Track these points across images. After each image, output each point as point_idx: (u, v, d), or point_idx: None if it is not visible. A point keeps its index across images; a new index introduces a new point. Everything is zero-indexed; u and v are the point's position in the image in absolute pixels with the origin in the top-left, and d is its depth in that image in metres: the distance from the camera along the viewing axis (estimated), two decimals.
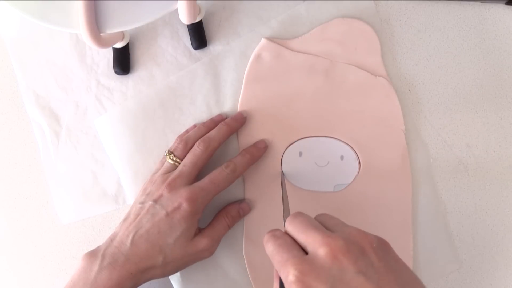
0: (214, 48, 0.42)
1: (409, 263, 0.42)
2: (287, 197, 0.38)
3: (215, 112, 0.42)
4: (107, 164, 0.44)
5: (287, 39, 0.41)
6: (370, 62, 0.41)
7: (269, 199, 0.42)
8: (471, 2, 0.40)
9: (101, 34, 0.35)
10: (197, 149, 0.38)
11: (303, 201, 0.42)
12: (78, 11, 0.33)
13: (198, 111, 0.42)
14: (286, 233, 0.29)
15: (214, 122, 0.41)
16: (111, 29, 0.35)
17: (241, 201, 0.42)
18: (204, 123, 0.41)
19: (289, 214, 0.32)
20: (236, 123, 0.40)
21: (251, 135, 0.42)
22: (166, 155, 0.40)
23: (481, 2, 0.40)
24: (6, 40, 0.44)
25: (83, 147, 0.44)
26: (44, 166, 0.45)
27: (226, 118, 0.41)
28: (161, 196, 0.37)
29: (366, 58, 0.41)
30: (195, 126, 0.42)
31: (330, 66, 0.41)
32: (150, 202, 0.37)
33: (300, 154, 0.41)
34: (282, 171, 0.41)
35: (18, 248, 0.46)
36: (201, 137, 0.39)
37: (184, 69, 0.42)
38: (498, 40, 0.41)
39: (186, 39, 0.42)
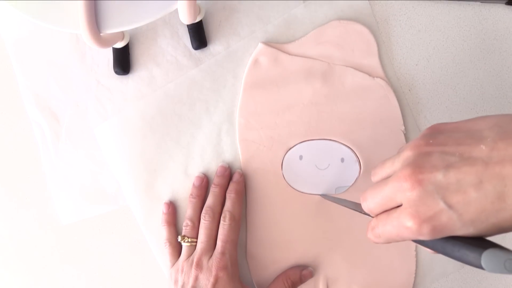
0: (214, 48, 0.42)
1: (412, 263, 0.42)
2: (344, 200, 0.38)
3: (214, 118, 0.42)
4: (107, 164, 0.44)
5: (284, 43, 0.41)
6: (368, 64, 0.41)
7: (271, 203, 0.42)
8: (471, 2, 0.40)
9: (101, 34, 0.35)
10: (205, 222, 0.40)
11: (305, 204, 0.42)
12: (78, 11, 0.33)
13: (197, 118, 0.42)
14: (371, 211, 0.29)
15: (220, 186, 0.42)
16: (111, 29, 0.35)
17: (303, 267, 0.42)
18: (197, 191, 0.42)
19: (358, 204, 0.32)
20: (224, 180, 0.42)
21: (251, 140, 0.42)
22: (180, 241, 0.41)
23: (481, 2, 0.40)
24: (6, 40, 0.44)
25: (83, 147, 0.44)
26: (44, 166, 0.45)
27: (228, 167, 0.42)
28: (196, 279, 0.38)
29: (364, 60, 0.41)
30: (199, 178, 0.42)
31: (327, 69, 0.41)
32: None
33: (301, 157, 0.41)
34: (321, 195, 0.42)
35: (18, 248, 0.46)
36: (201, 209, 0.41)
37: (184, 69, 0.42)
38: (498, 40, 0.41)
39: (186, 39, 0.42)
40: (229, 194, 0.41)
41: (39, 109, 0.44)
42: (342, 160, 0.41)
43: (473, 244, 0.23)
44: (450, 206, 0.24)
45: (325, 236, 0.42)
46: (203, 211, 0.41)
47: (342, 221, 0.42)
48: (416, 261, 0.42)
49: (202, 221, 0.40)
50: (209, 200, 0.41)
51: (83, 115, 0.44)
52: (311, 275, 0.42)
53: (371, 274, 0.42)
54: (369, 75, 0.40)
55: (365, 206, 0.29)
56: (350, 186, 0.41)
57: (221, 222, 0.40)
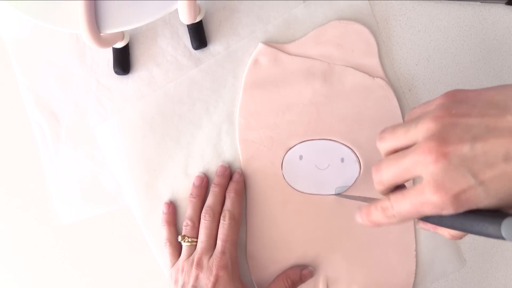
0: (214, 48, 0.42)
1: (412, 263, 0.42)
2: (358, 196, 0.38)
3: (214, 118, 0.42)
4: (107, 164, 0.44)
5: (284, 43, 0.41)
6: (368, 64, 0.41)
7: (271, 203, 0.42)
8: (471, 2, 0.40)
9: (101, 34, 0.35)
10: (205, 222, 0.40)
11: (305, 205, 0.42)
12: (78, 11, 0.33)
13: (197, 117, 0.42)
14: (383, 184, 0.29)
15: (219, 187, 0.42)
16: (111, 29, 0.35)
17: (303, 266, 0.42)
18: (196, 191, 0.42)
19: (371, 198, 0.32)
20: (224, 180, 0.42)
21: (251, 140, 0.42)
22: (181, 241, 0.41)
23: (481, 2, 0.40)
24: (6, 40, 0.44)
25: (83, 147, 0.44)
26: (44, 166, 0.45)
27: (228, 167, 0.42)
28: (196, 278, 0.38)
29: (364, 60, 0.41)
30: (199, 177, 0.42)
31: (327, 69, 0.41)
32: None
33: (301, 157, 0.41)
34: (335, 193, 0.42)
35: (18, 248, 0.46)
36: (201, 209, 0.41)
37: (184, 69, 0.42)
38: (498, 40, 0.41)
39: (186, 39, 0.42)
40: (228, 193, 0.41)
41: (39, 109, 0.44)
42: (342, 160, 0.41)
43: (491, 216, 0.23)
44: (477, 179, 0.23)
45: (325, 236, 0.42)
46: (203, 210, 0.41)
47: (342, 221, 0.42)
48: (416, 261, 0.42)
49: (202, 220, 0.40)
50: (209, 200, 0.41)
51: (83, 115, 0.44)
52: (311, 274, 0.42)
53: (371, 274, 0.42)
54: (369, 75, 0.40)
55: (377, 177, 0.29)
56: (350, 186, 0.41)
57: (221, 221, 0.40)
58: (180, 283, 0.39)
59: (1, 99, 0.45)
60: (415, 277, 0.42)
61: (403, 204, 0.26)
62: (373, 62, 0.41)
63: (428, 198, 0.24)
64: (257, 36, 0.41)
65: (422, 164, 0.25)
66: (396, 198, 0.27)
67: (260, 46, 0.41)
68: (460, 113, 0.25)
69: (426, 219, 0.27)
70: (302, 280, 0.41)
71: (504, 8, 0.40)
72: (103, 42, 0.35)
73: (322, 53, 0.41)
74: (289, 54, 0.41)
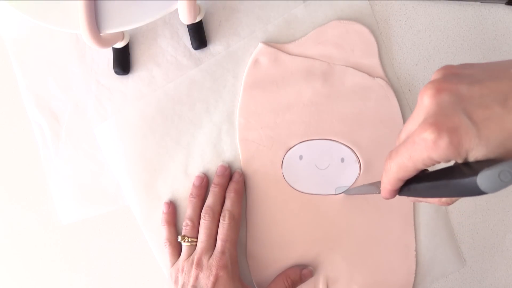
0: (214, 48, 0.42)
1: (412, 263, 0.42)
2: (364, 186, 0.38)
3: (214, 117, 0.42)
4: (107, 164, 0.44)
5: (284, 43, 0.41)
6: (368, 64, 0.41)
7: (271, 203, 0.42)
8: (471, 2, 0.40)
9: (101, 34, 0.35)
10: (205, 222, 0.40)
11: (305, 204, 0.42)
12: (78, 11, 0.33)
13: (197, 117, 0.42)
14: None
15: (220, 186, 0.42)
16: (111, 29, 0.35)
17: (303, 266, 0.42)
18: (197, 190, 0.42)
19: (378, 184, 0.31)
20: (224, 180, 0.42)
21: (251, 140, 0.42)
22: (180, 241, 0.41)
23: (481, 2, 0.40)
24: (6, 40, 0.44)
25: (83, 147, 0.44)
26: (44, 166, 0.45)
27: (228, 167, 0.42)
28: (196, 278, 0.38)
29: (364, 60, 0.41)
30: (199, 177, 0.42)
31: (327, 69, 0.41)
32: None
33: (301, 157, 0.41)
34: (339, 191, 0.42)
35: (18, 248, 0.46)
36: (201, 209, 0.41)
37: (184, 69, 0.42)
38: (498, 40, 0.41)
39: (186, 39, 0.42)
40: (228, 193, 0.41)
41: (39, 109, 0.44)
42: (342, 160, 0.41)
43: (469, 169, 0.22)
44: (470, 119, 0.22)
45: (325, 236, 0.42)
46: (203, 210, 0.41)
47: (342, 221, 0.42)
48: (416, 261, 0.42)
49: (202, 220, 0.40)
50: (209, 200, 0.41)
51: (83, 115, 0.44)
52: (311, 274, 0.42)
53: (371, 274, 0.42)
54: (369, 75, 0.40)
55: (398, 140, 0.28)
56: (350, 186, 0.41)
57: (221, 221, 0.40)
58: (180, 283, 0.39)
59: (1, 99, 0.45)
60: (415, 277, 0.42)
61: (399, 152, 0.26)
62: (373, 62, 0.41)
63: (423, 135, 0.24)
64: (257, 36, 0.41)
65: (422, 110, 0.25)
66: (394, 150, 0.26)
67: (260, 46, 0.41)
68: (461, 81, 0.24)
69: (408, 191, 0.27)
70: (302, 279, 0.41)
71: (504, 8, 0.40)
72: (103, 42, 0.35)
73: (322, 53, 0.41)
74: (289, 54, 0.41)
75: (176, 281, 0.40)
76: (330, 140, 0.41)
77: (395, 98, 0.41)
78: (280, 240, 0.42)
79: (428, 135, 0.23)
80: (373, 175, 0.41)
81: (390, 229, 0.41)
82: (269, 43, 0.41)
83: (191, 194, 0.42)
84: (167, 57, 0.43)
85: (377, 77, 0.40)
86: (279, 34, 0.41)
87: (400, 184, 0.28)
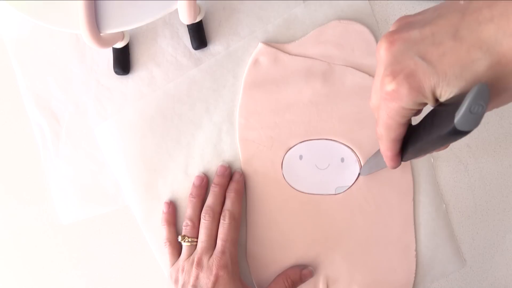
0: (214, 48, 0.42)
1: (412, 263, 0.42)
2: (370, 160, 0.38)
3: (214, 117, 0.42)
4: (107, 164, 0.44)
5: (284, 43, 0.41)
6: (368, 64, 0.41)
7: (271, 203, 0.42)
8: None
9: (101, 34, 0.35)
10: (205, 222, 0.40)
11: (305, 204, 0.42)
12: (78, 11, 0.33)
13: (197, 117, 0.42)
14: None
15: (220, 187, 0.42)
16: (111, 29, 0.35)
17: (303, 266, 0.42)
18: (196, 191, 0.42)
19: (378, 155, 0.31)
20: (224, 180, 0.42)
21: (251, 140, 0.42)
22: (181, 241, 0.41)
23: None
24: (6, 40, 0.44)
25: (83, 147, 0.44)
26: (44, 166, 0.45)
27: (228, 167, 0.42)
28: (197, 278, 0.38)
29: (364, 60, 0.41)
30: (199, 177, 0.42)
31: (327, 69, 0.41)
32: None
33: (301, 157, 0.41)
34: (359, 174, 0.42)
35: (18, 248, 0.46)
36: (201, 209, 0.41)
37: (184, 69, 0.42)
38: None
39: (186, 39, 0.42)
40: (228, 193, 0.41)
41: (39, 109, 0.44)
42: (342, 160, 0.41)
43: (446, 112, 0.22)
44: (424, 59, 0.23)
45: (325, 235, 0.42)
46: (203, 210, 0.41)
47: (342, 221, 0.42)
48: (416, 260, 0.42)
49: (202, 220, 0.40)
50: (209, 200, 0.41)
51: (83, 115, 0.44)
52: (311, 274, 0.42)
53: (371, 273, 0.42)
54: (369, 75, 0.40)
55: (371, 104, 0.28)
56: (350, 186, 0.41)
57: (221, 221, 0.40)
58: (180, 282, 0.39)
59: (1, 99, 0.45)
60: (415, 277, 0.42)
61: (379, 115, 0.26)
62: (373, 62, 0.41)
63: (386, 89, 0.24)
64: (257, 36, 0.41)
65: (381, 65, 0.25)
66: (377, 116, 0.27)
67: (260, 46, 0.41)
68: (410, 26, 0.24)
69: (407, 154, 0.27)
70: (302, 280, 0.41)
71: None
72: (103, 42, 0.35)
73: (322, 53, 0.41)
74: (289, 54, 0.41)
75: (176, 280, 0.40)
76: (330, 140, 0.41)
77: None
78: (280, 240, 0.42)
79: (389, 87, 0.24)
80: (373, 174, 0.41)
81: (390, 229, 0.41)
82: (269, 43, 0.41)
83: (191, 194, 0.42)
84: (167, 57, 0.43)
85: None
86: (279, 34, 0.41)
87: (397, 146, 0.28)
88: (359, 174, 0.41)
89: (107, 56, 0.43)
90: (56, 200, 0.45)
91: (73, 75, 0.44)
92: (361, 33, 0.40)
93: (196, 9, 0.36)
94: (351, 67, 0.41)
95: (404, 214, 0.41)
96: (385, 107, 0.25)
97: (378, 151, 0.31)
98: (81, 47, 0.43)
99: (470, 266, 0.43)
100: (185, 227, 0.41)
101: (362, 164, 0.41)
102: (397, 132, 0.26)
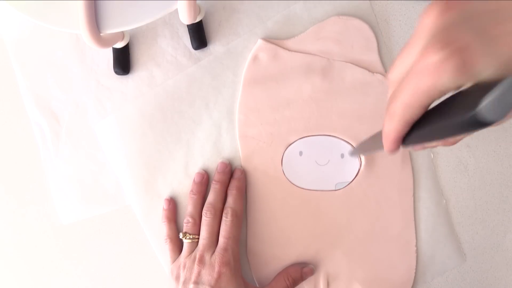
0: (214, 48, 0.42)
1: (413, 259, 0.42)
2: (366, 141, 0.37)
3: (214, 114, 0.42)
4: (107, 164, 0.44)
5: (284, 39, 0.41)
6: (368, 59, 0.41)
7: (271, 200, 0.42)
8: None
9: (101, 34, 0.35)
10: (206, 219, 0.40)
11: (305, 201, 0.42)
12: (78, 11, 0.33)
13: (196, 114, 0.42)
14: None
15: (221, 181, 0.42)
16: (111, 29, 0.35)
17: (304, 264, 0.42)
18: (198, 187, 0.42)
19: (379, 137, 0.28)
20: (225, 177, 0.42)
21: (251, 137, 0.42)
22: (182, 238, 0.41)
23: None
24: (6, 40, 0.44)
25: (83, 147, 0.44)
26: (44, 166, 0.45)
27: (228, 164, 0.42)
28: (198, 274, 0.38)
29: (363, 56, 0.41)
30: (199, 174, 0.42)
31: (327, 65, 0.41)
32: (192, 286, 0.38)
33: (300, 153, 0.42)
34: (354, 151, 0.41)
35: (18, 248, 0.46)
36: (202, 206, 0.41)
37: (184, 69, 0.42)
38: None
39: (186, 39, 0.42)
40: (230, 191, 0.41)
41: (39, 109, 0.44)
42: (342, 155, 0.41)
43: (469, 97, 0.19)
44: (483, 35, 0.19)
45: (325, 231, 0.42)
46: (205, 207, 0.41)
47: (343, 217, 0.42)
48: (417, 256, 0.42)
49: (203, 217, 0.40)
50: (210, 197, 0.41)
51: (83, 115, 0.44)
52: (312, 272, 0.42)
53: (372, 270, 0.42)
54: (369, 70, 0.41)
55: (391, 77, 0.25)
56: (350, 182, 0.41)
57: (223, 218, 0.40)
58: (181, 279, 0.39)
59: (1, 99, 0.45)
60: (416, 273, 0.42)
61: (402, 89, 0.22)
62: (372, 58, 0.41)
63: (425, 61, 0.20)
64: (256, 32, 0.41)
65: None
66: (396, 89, 0.23)
67: (260, 42, 0.41)
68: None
69: (410, 139, 0.24)
70: (303, 278, 0.41)
71: None
72: (103, 42, 0.35)
73: (321, 49, 0.41)
74: (289, 50, 0.41)
75: (177, 277, 0.40)
76: (330, 136, 0.41)
77: None
78: (280, 236, 0.42)
79: (432, 58, 0.20)
80: (373, 170, 0.41)
81: (390, 225, 0.41)
82: (268, 39, 0.41)
83: (192, 191, 0.42)
84: (167, 57, 0.43)
85: (376, 72, 0.41)
86: (279, 30, 0.41)
87: (406, 129, 0.24)
88: (359, 170, 0.41)
89: (107, 56, 0.43)
90: (56, 200, 0.45)
91: (73, 75, 0.44)
92: (361, 29, 0.40)
93: (196, 9, 0.36)
94: (351, 63, 0.41)
95: (404, 210, 0.41)
96: (414, 82, 0.21)
97: (379, 132, 0.28)
98: (81, 47, 0.43)
99: (470, 266, 0.43)
100: (186, 224, 0.41)
101: (361, 160, 0.41)
102: (415, 114, 0.23)
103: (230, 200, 0.41)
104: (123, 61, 0.42)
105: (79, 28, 0.34)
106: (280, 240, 0.42)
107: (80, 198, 0.45)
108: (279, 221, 0.42)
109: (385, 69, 0.41)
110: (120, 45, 0.41)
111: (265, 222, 0.42)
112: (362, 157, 0.41)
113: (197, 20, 0.40)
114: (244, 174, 0.42)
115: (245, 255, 0.43)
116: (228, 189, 0.41)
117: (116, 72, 0.43)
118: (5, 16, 0.44)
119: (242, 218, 0.41)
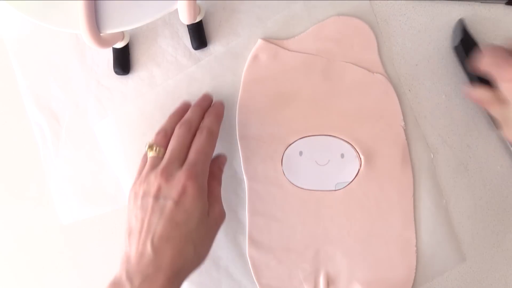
0: (214, 48, 0.42)
1: (413, 259, 0.42)
2: None
3: None
4: (107, 164, 0.44)
5: (284, 39, 0.41)
6: (367, 59, 0.41)
7: (271, 199, 0.42)
8: (471, 2, 0.40)
9: (101, 34, 0.35)
10: (179, 130, 0.36)
11: (305, 201, 0.42)
12: (78, 11, 0.33)
13: None
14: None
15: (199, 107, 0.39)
16: (111, 29, 0.35)
17: (216, 156, 0.40)
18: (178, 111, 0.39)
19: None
20: (205, 103, 0.39)
21: (251, 137, 0.42)
22: (147, 150, 0.36)
23: (481, 2, 0.40)
24: (6, 40, 0.44)
25: (83, 147, 0.44)
26: (44, 166, 0.45)
27: (210, 95, 0.40)
28: (159, 188, 0.33)
29: (363, 55, 0.41)
30: (184, 102, 0.40)
31: (327, 65, 0.41)
32: (151, 200, 0.33)
33: (301, 153, 0.42)
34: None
35: (19, 248, 0.46)
36: (178, 122, 0.37)
37: (184, 69, 0.42)
38: (498, 40, 0.41)
39: (186, 39, 0.42)
40: (208, 114, 0.38)
41: (39, 109, 0.44)
42: (342, 155, 0.41)
43: None
44: None
45: (325, 232, 0.42)
46: (179, 122, 0.36)
47: (343, 217, 0.42)
48: (417, 257, 0.42)
49: (176, 130, 0.36)
50: (188, 114, 0.37)
51: (83, 115, 0.44)
52: (224, 158, 0.40)
53: (372, 269, 0.42)
54: (369, 70, 0.41)
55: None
56: (350, 182, 0.41)
57: (197, 135, 0.36)
58: (140, 194, 0.34)
59: (1, 99, 0.45)
60: (416, 273, 0.42)
61: None
62: (372, 58, 0.41)
63: None
64: (256, 32, 0.41)
65: None
66: None
67: (260, 42, 0.41)
68: None
69: None
70: (221, 169, 0.39)
71: (504, 8, 0.40)
72: (103, 42, 0.35)
73: (321, 49, 0.41)
74: (289, 50, 0.41)
75: (136, 194, 0.35)
76: (330, 136, 0.41)
77: (395, 94, 0.41)
78: (281, 237, 0.42)
79: None
80: (373, 170, 0.41)
81: (390, 225, 0.41)
82: (268, 39, 0.41)
83: (172, 112, 0.39)
84: (167, 57, 0.43)
85: (376, 72, 0.41)
86: (279, 30, 0.41)
87: None
88: (359, 170, 0.41)
89: (107, 56, 0.43)
90: (56, 200, 0.45)
91: (73, 75, 0.44)
92: (361, 29, 0.40)
93: (196, 9, 0.36)
94: (351, 63, 0.41)
95: (404, 210, 0.41)
96: None
97: None
98: (81, 47, 0.44)
99: (470, 266, 0.43)
100: (157, 135, 0.37)
101: (361, 160, 0.41)
102: None
103: (206, 120, 0.37)
104: (123, 61, 0.42)
105: (79, 28, 0.34)
106: (280, 240, 0.42)
107: (80, 198, 0.45)
108: (279, 221, 0.42)
109: (385, 69, 0.41)
110: (120, 45, 0.41)
111: (265, 223, 0.42)
112: (362, 157, 0.41)
113: (197, 20, 0.40)
114: (223, 106, 0.39)
115: (245, 255, 0.43)
116: (206, 113, 0.38)
117: (116, 72, 0.43)
118: (5, 16, 0.44)
119: (216, 139, 0.37)
